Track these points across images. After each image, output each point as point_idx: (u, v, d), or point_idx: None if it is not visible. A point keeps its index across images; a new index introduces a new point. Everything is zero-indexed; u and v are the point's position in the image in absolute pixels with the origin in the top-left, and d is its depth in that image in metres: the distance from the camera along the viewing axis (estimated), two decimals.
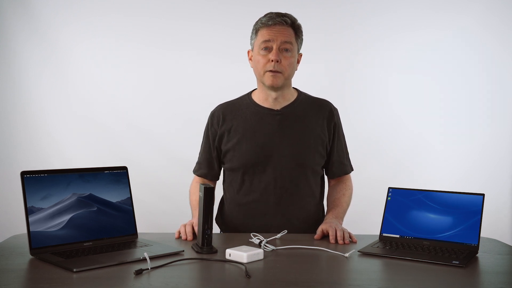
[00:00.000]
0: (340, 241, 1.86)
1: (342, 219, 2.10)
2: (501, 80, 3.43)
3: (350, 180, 2.23)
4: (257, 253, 1.64)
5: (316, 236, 1.92)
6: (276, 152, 2.06)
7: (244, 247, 1.66)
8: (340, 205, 2.12)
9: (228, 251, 1.64)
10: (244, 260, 1.59)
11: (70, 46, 3.34)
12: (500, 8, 3.37)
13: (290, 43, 2.00)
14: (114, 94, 3.40)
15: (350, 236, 1.90)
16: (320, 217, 2.17)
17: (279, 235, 1.90)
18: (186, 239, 1.88)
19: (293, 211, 2.08)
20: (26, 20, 3.29)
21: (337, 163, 2.17)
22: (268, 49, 2.00)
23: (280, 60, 1.99)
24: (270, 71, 2.00)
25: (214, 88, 3.30)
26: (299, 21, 2.07)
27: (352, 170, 2.24)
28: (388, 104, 3.49)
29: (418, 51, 3.42)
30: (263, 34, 2.01)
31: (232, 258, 1.62)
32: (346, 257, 1.69)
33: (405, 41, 3.43)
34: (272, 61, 1.99)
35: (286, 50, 2.00)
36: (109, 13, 3.35)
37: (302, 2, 3.32)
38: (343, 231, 1.90)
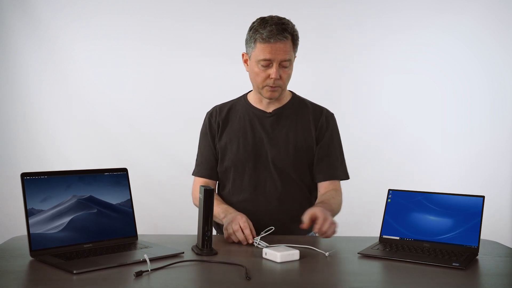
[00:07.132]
0: (323, 234, 1.79)
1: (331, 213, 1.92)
2: (501, 80, 3.43)
3: (340, 188, 2.13)
4: (292, 254, 1.65)
5: (303, 226, 1.81)
6: (265, 153, 2.08)
7: (281, 247, 1.69)
8: (328, 203, 2.00)
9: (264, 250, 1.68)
10: (278, 260, 1.62)
11: (70, 46, 3.34)
12: (499, 8, 3.37)
13: (290, 59, 1.98)
14: (114, 94, 3.39)
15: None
16: None
17: (264, 234, 1.87)
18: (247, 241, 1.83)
19: (282, 211, 2.08)
20: (26, 20, 3.29)
21: (324, 164, 2.10)
22: (267, 66, 1.98)
23: (280, 76, 1.98)
24: (269, 86, 2.00)
25: (215, 89, 3.29)
26: (299, 21, 2.05)
27: (346, 178, 2.15)
28: (387, 105, 3.48)
29: (418, 52, 3.42)
30: (263, 50, 1.95)
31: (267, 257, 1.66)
32: (326, 256, 1.70)
33: (404, 42, 3.43)
34: (272, 78, 1.97)
35: (285, 66, 1.99)
36: (109, 13, 3.35)
37: (302, 3, 3.32)
38: (332, 222, 1.80)
